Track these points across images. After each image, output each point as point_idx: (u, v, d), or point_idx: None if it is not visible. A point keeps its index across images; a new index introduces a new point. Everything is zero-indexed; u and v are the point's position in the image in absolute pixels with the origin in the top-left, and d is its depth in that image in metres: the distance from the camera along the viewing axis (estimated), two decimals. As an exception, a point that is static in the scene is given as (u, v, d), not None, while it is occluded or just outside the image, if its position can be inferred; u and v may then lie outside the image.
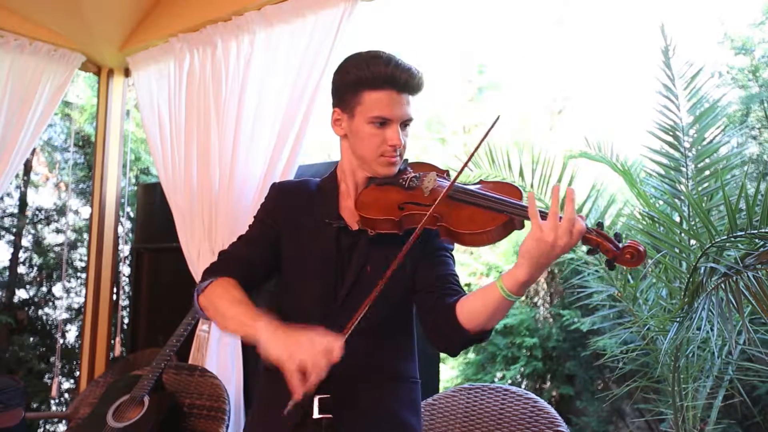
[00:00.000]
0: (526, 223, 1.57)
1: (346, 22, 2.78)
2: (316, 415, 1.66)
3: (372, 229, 1.70)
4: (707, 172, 3.06)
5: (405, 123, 1.73)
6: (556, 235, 1.41)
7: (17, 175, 4.41)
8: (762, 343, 3.02)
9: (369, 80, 1.68)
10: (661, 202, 3.17)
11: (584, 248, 3.45)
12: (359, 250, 1.75)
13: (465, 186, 1.69)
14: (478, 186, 1.72)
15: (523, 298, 4.88)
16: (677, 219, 3.03)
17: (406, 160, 1.84)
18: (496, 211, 1.59)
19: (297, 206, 1.83)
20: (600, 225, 1.54)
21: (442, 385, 4.23)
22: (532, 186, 3.39)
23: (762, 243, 2.59)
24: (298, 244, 1.80)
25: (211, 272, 1.79)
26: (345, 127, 1.76)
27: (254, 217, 1.90)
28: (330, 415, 1.66)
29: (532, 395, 2.38)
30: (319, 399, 1.65)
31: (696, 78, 3.21)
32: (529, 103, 6.91)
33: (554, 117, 6.65)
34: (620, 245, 1.49)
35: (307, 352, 1.43)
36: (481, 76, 7.43)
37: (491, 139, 3.77)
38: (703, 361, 2.94)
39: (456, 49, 7.68)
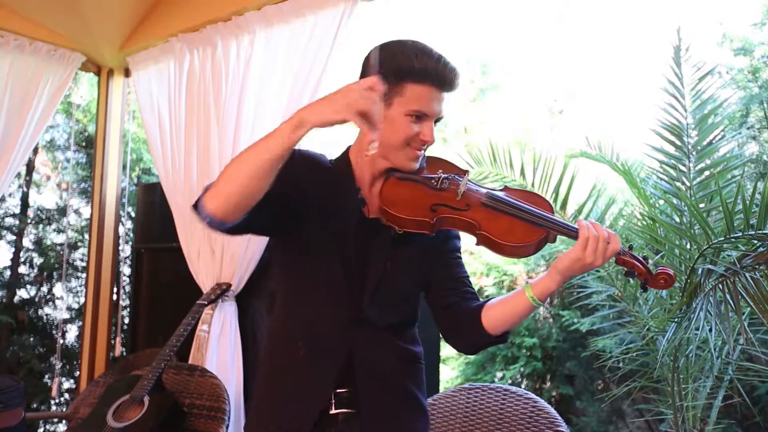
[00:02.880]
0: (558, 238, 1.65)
1: (346, 22, 2.78)
2: (333, 410, 1.66)
3: (399, 227, 1.68)
4: (707, 173, 3.07)
5: (437, 120, 1.71)
6: (594, 257, 1.52)
7: (19, 175, 4.42)
8: (761, 343, 3.03)
9: (415, 73, 1.64)
10: (661, 202, 3.18)
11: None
12: (379, 245, 1.74)
13: (500, 195, 1.69)
14: (504, 193, 1.72)
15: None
16: (677, 219, 3.04)
17: (424, 155, 1.82)
18: (534, 225, 1.62)
19: (323, 180, 1.76)
20: (630, 247, 1.62)
21: (442, 386, 4.24)
22: (533, 185, 3.39)
23: (760, 244, 2.59)
24: (318, 219, 1.72)
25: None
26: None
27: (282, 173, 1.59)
28: (352, 410, 1.67)
29: (532, 395, 2.38)
30: (337, 394, 1.66)
31: (704, 79, 3.22)
32: (531, 103, 6.92)
33: (555, 117, 6.66)
34: (652, 270, 1.58)
35: (353, 93, 1.37)
36: (483, 76, 7.44)
37: (493, 139, 3.78)
38: (702, 361, 2.94)
39: (458, 50, 7.67)
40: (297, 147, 1.57)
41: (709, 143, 3.11)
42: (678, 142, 3.13)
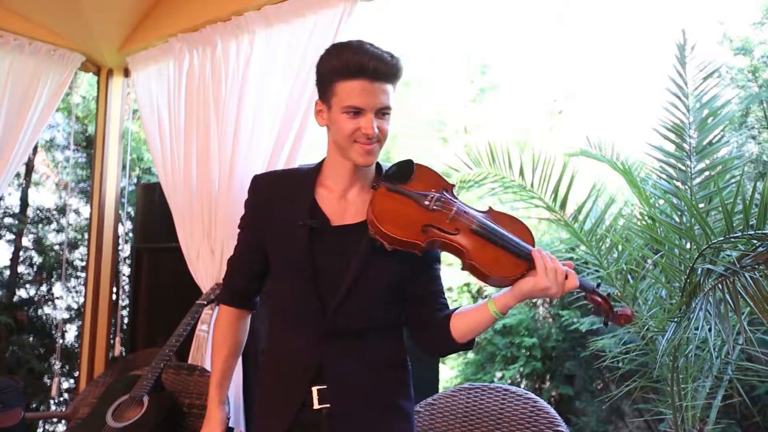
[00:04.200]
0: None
1: (346, 21, 2.77)
2: (316, 405, 1.68)
3: (388, 244, 1.67)
4: (707, 173, 3.08)
5: (382, 111, 1.68)
6: (556, 288, 1.59)
7: (18, 175, 4.42)
8: (760, 343, 3.03)
9: (339, 70, 1.65)
10: (661, 202, 3.18)
11: (583, 254, 3.48)
12: (350, 253, 1.73)
13: (489, 223, 1.70)
14: (486, 215, 1.74)
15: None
16: (677, 219, 3.04)
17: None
18: (519, 257, 1.65)
19: (278, 203, 1.81)
20: (598, 285, 1.71)
21: (441, 385, 4.24)
22: (532, 185, 3.39)
23: (759, 244, 2.59)
24: (278, 243, 1.79)
25: (226, 291, 1.95)
26: (326, 118, 1.73)
27: (241, 220, 1.90)
28: (328, 405, 1.68)
29: (532, 395, 2.38)
30: (318, 390, 1.68)
31: (707, 79, 3.22)
32: (530, 103, 6.92)
33: (555, 117, 6.66)
34: (616, 310, 1.67)
35: None
36: (483, 76, 7.44)
37: (492, 138, 3.79)
38: (701, 361, 2.94)
39: (458, 50, 7.67)
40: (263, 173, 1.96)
41: (710, 143, 3.11)
42: (679, 142, 3.14)
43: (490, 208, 1.78)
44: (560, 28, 7.42)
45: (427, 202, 1.70)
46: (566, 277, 1.61)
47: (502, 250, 1.65)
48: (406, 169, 1.80)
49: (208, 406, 1.83)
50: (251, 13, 3.06)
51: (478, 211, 1.75)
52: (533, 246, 1.67)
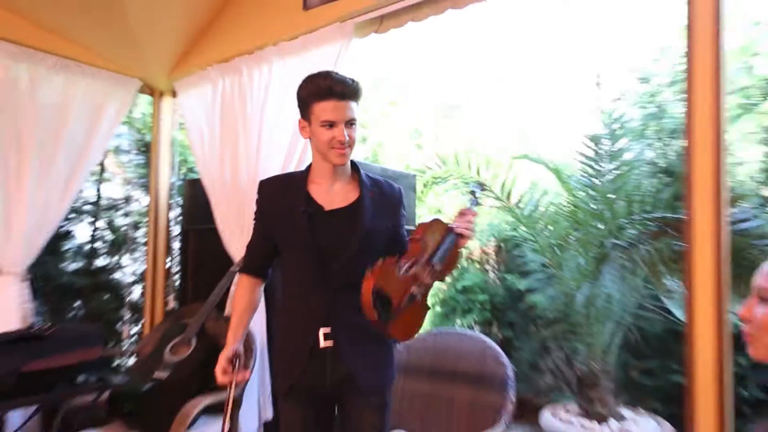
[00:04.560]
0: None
1: (343, 54, 2.76)
2: (322, 344, 1.71)
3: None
4: (615, 172, 3.12)
5: (349, 122, 1.71)
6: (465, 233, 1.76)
7: (93, 173, 4.42)
8: (650, 296, 3.09)
9: (315, 93, 1.69)
10: (581, 193, 3.22)
11: (523, 232, 3.52)
12: (343, 229, 1.75)
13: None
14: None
15: (477, 265, 4.94)
16: (593, 206, 3.08)
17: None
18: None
19: (280, 199, 1.83)
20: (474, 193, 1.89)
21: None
22: (485, 181, 3.42)
23: (651, 225, 2.64)
24: (283, 228, 1.81)
25: (243, 263, 1.94)
26: (308, 132, 1.75)
27: (254, 214, 1.89)
28: (331, 343, 1.72)
29: (483, 336, 2.43)
30: (323, 332, 1.72)
31: (615, 101, 3.28)
32: (484, 119, 6.94)
33: (504, 128, 6.67)
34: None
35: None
36: (449, 98, 7.50)
37: (457, 147, 3.82)
38: (607, 310, 3.00)
39: (430, 80, 7.73)
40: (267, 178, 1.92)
41: (618, 150, 3.16)
42: (596, 148, 3.18)
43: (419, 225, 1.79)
44: (506, 64, 7.47)
45: (411, 296, 1.71)
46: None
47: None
48: None
49: (226, 343, 1.83)
50: (270, 47, 3.06)
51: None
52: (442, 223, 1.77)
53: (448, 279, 1.92)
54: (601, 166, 3.16)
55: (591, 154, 3.23)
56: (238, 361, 1.80)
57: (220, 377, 1.77)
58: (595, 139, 3.21)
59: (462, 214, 1.78)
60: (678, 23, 1.91)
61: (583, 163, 3.26)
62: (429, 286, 1.73)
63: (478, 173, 3.48)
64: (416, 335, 1.81)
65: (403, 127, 6.78)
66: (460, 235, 1.74)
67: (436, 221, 1.77)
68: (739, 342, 3.23)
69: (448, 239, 1.73)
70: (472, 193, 1.87)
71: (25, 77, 3.21)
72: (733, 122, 3.50)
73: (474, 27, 8.03)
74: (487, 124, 6.89)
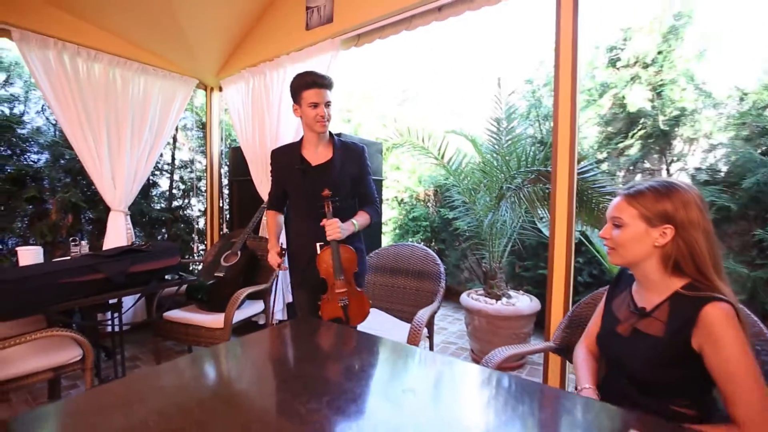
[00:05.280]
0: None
1: (333, 61, 2.66)
2: (318, 252, 1.70)
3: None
4: (510, 141, 3.10)
5: (327, 104, 1.66)
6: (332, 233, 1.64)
7: (168, 143, 4.23)
8: (529, 221, 3.16)
9: (303, 85, 1.64)
10: (489, 156, 3.21)
11: (452, 181, 3.49)
12: (324, 176, 1.71)
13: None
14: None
15: (422, 203, 4.95)
16: (496, 164, 3.08)
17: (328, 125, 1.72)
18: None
19: (284, 161, 1.78)
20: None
21: (383, 242, 4.36)
22: (428, 147, 3.37)
23: (531, 175, 2.65)
24: (287, 179, 1.78)
25: (268, 204, 1.90)
26: (299, 112, 1.70)
27: (271, 173, 1.86)
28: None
29: (426, 248, 2.45)
30: (319, 245, 1.70)
31: (510, 95, 3.21)
32: (430, 103, 6.78)
33: (442, 111, 6.54)
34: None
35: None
36: (405, 92, 7.26)
37: (414, 125, 3.74)
38: (503, 230, 3.06)
39: (394, 77, 7.46)
40: (277, 147, 1.84)
41: (512, 128, 3.12)
42: (497, 126, 3.14)
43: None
44: (446, 62, 7.23)
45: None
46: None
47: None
48: None
49: (270, 245, 1.83)
50: (284, 56, 2.91)
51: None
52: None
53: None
54: (500, 138, 3.13)
55: (494, 130, 3.19)
56: (283, 251, 1.81)
57: (274, 262, 1.78)
58: (497, 120, 3.16)
59: (325, 226, 1.64)
60: (550, 44, 1.85)
61: (489, 136, 3.21)
62: (348, 293, 1.66)
63: (423, 141, 3.40)
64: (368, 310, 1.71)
65: (374, 112, 6.59)
66: (334, 240, 1.65)
67: (323, 249, 1.67)
68: (579, 248, 3.35)
69: (334, 251, 1.64)
70: (322, 207, 1.66)
71: (119, 79, 3.04)
72: (582, 111, 3.50)
73: (424, 41, 7.72)
74: (430, 108, 6.73)
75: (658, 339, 0.98)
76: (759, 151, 2.62)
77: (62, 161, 3.53)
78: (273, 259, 1.79)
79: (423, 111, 6.62)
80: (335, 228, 1.63)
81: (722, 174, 2.80)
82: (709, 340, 0.90)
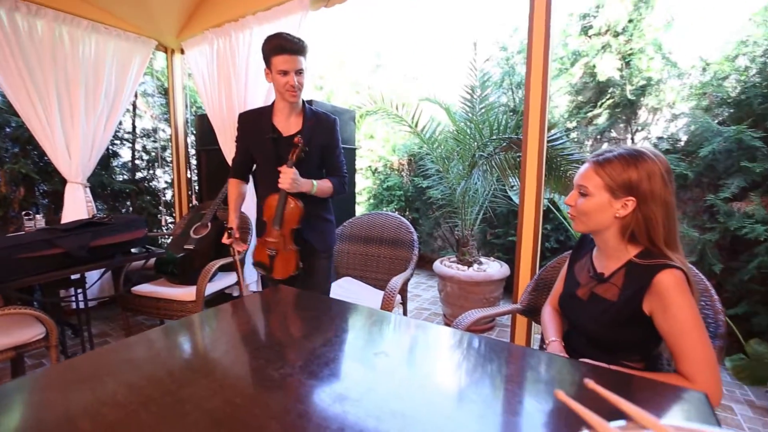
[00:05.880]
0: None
1: (302, 22, 2.53)
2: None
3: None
4: (483, 109, 3.08)
5: (299, 71, 1.56)
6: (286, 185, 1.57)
7: (128, 110, 3.99)
8: (500, 189, 3.21)
9: (272, 49, 1.53)
10: (462, 124, 3.19)
11: (425, 148, 3.47)
12: (290, 148, 1.65)
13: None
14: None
15: (396, 172, 4.93)
16: (469, 132, 3.07)
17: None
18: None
19: (254, 127, 1.70)
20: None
21: (358, 212, 4.36)
22: (402, 115, 3.31)
23: (503, 144, 2.67)
24: (256, 147, 1.71)
25: (232, 171, 1.81)
26: (270, 78, 1.60)
27: (236, 139, 1.76)
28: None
29: (400, 216, 2.45)
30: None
31: (485, 62, 3.17)
32: (402, 74, 6.63)
33: (413, 80, 6.42)
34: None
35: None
36: (378, 57, 7.07)
37: (388, 92, 3.65)
38: (474, 198, 3.10)
39: (366, 44, 7.21)
40: (244, 111, 1.75)
41: (486, 96, 3.10)
42: (471, 93, 3.11)
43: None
44: (419, 31, 7.04)
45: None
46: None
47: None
48: None
49: (230, 220, 1.79)
50: (250, 16, 2.74)
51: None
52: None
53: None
54: (474, 106, 3.11)
55: (468, 98, 3.16)
56: (232, 231, 1.76)
57: (225, 241, 1.75)
58: (471, 89, 3.13)
59: (280, 172, 1.57)
60: (525, 11, 1.83)
61: (463, 104, 3.19)
62: (278, 245, 1.63)
63: (397, 109, 3.34)
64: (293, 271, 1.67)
65: (347, 78, 6.40)
66: (284, 191, 1.60)
67: (273, 194, 1.63)
68: (547, 215, 3.44)
69: (281, 199, 1.60)
70: (287, 153, 1.60)
71: (67, 38, 2.78)
72: (553, 80, 3.51)
73: (398, 3, 7.45)
74: (403, 76, 6.59)
75: (612, 303, 1.04)
76: (716, 121, 2.72)
77: (8, 129, 3.27)
78: (225, 236, 1.75)
79: (397, 78, 6.49)
80: (289, 177, 1.55)
81: (682, 143, 2.91)
82: (660, 304, 0.95)
